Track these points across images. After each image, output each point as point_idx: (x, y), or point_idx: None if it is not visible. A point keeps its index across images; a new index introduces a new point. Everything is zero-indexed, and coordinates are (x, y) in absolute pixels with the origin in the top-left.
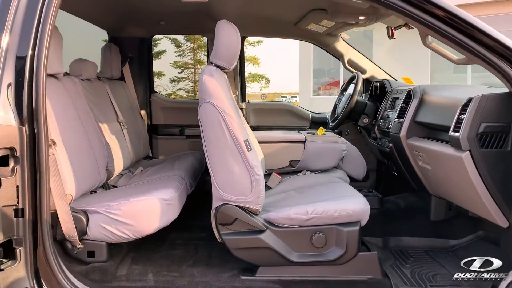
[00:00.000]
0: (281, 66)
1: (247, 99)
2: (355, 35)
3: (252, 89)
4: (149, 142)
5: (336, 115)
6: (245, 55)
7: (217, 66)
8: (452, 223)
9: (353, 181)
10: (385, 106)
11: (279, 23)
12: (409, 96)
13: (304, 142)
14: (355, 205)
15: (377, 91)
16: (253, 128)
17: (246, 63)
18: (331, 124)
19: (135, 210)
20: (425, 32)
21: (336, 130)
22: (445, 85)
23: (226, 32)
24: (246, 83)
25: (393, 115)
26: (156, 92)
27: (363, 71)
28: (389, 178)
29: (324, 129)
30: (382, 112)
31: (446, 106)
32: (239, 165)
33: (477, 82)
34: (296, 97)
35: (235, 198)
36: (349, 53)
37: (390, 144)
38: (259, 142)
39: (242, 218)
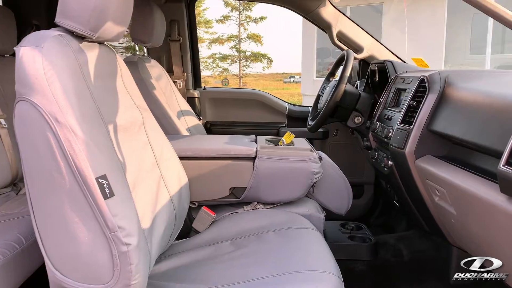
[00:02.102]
0: (286, 44)
1: (202, 85)
2: (361, 9)
3: (254, 69)
4: None
5: (318, 110)
6: (247, 32)
7: (68, 32)
8: None
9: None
10: (385, 100)
11: None
12: (422, 87)
13: (253, 158)
14: None
15: (374, 77)
16: (210, 124)
17: (248, 41)
18: (310, 123)
19: None
20: None
21: (321, 130)
22: (482, 71)
23: None
24: (248, 62)
25: (397, 116)
26: None
27: (358, 49)
28: (390, 202)
29: (293, 135)
30: (380, 110)
31: (490, 110)
32: (86, 225)
33: (496, 65)
34: None
35: (82, 287)
36: (340, 23)
37: (389, 162)
38: (181, 159)
39: None
